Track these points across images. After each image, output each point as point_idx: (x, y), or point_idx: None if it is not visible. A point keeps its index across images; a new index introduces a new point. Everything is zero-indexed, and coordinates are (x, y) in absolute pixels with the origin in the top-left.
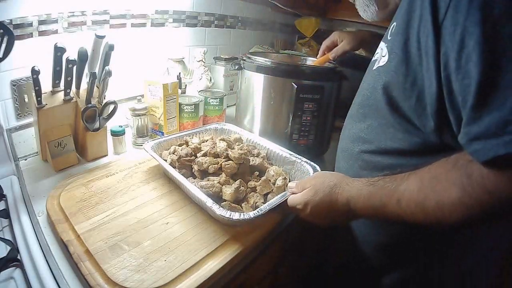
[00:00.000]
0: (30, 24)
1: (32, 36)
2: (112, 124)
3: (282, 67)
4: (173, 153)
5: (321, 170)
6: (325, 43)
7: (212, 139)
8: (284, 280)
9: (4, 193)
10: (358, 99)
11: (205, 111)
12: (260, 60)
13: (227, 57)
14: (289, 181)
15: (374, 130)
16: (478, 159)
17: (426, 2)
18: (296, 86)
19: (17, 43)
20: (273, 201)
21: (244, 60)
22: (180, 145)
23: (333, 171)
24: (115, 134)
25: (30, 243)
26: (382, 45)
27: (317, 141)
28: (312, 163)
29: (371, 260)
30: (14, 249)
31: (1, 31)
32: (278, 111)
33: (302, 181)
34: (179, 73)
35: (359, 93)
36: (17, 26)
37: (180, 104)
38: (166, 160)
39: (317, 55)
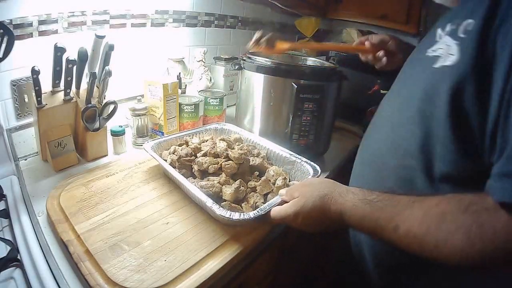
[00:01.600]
0: (30, 24)
1: (32, 36)
2: (112, 124)
3: (282, 67)
4: (173, 153)
5: (321, 170)
6: (380, 37)
7: (212, 139)
8: (284, 280)
9: (4, 193)
10: (403, 97)
11: (205, 111)
12: (260, 60)
13: (227, 57)
14: (289, 181)
15: (419, 142)
16: (498, 197)
17: None
18: (296, 86)
19: (17, 43)
20: (273, 201)
21: (244, 60)
22: (180, 145)
23: (336, 172)
24: (115, 134)
25: (30, 243)
26: (449, 41)
27: (317, 141)
28: (312, 163)
29: (374, 259)
30: (14, 249)
31: (1, 31)
32: (278, 111)
33: (291, 189)
34: (179, 73)
35: (403, 89)
36: (17, 26)
37: (180, 104)
38: (166, 160)
39: (316, 55)
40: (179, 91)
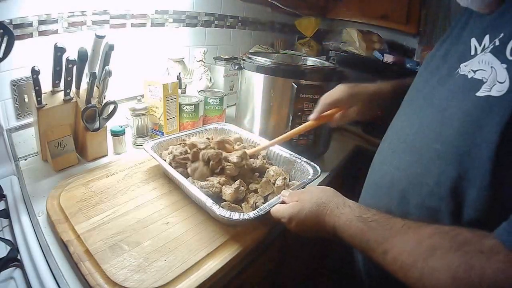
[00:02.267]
0: (30, 24)
1: (32, 36)
2: (112, 124)
3: (282, 67)
4: (170, 153)
5: (321, 170)
6: (326, 100)
7: (212, 138)
8: (284, 280)
9: (4, 193)
10: (429, 119)
11: (205, 111)
12: (260, 60)
13: (227, 57)
14: (289, 181)
15: (449, 183)
16: (506, 243)
17: None
18: (296, 86)
19: (17, 43)
20: (273, 201)
21: (244, 60)
22: (180, 145)
23: (336, 172)
24: (115, 134)
25: (30, 243)
26: (492, 60)
27: (317, 141)
28: (312, 163)
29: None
30: (14, 249)
31: (1, 31)
32: (278, 111)
33: (293, 192)
34: (179, 73)
35: (426, 112)
36: (17, 26)
37: (180, 104)
38: (165, 160)
39: (316, 55)
40: (179, 91)
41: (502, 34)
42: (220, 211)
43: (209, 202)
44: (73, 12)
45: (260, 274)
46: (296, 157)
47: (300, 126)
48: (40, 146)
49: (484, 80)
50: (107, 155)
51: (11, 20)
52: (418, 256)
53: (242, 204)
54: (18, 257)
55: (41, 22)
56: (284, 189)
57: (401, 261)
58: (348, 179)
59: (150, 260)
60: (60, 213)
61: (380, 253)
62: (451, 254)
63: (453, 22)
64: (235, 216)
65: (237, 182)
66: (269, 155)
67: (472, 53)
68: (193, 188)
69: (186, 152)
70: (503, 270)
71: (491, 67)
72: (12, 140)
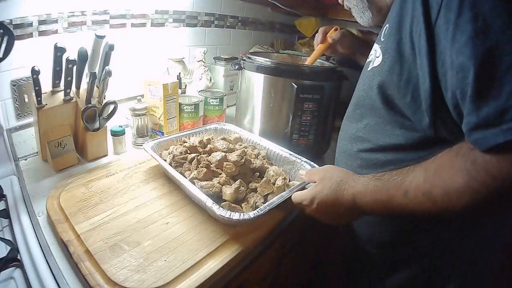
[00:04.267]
0: (30, 24)
1: (32, 36)
2: (112, 124)
3: (282, 67)
4: (170, 153)
5: None
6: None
7: (212, 138)
8: (284, 280)
9: (4, 193)
10: (354, 100)
11: (205, 111)
12: (260, 60)
13: (227, 57)
14: (289, 181)
15: (371, 129)
16: (479, 148)
17: (417, 3)
18: (296, 86)
19: (17, 43)
20: (273, 201)
21: (244, 60)
22: (180, 145)
23: None
24: (115, 134)
25: (30, 243)
26: (376, 46)
27: (317, 141)
28: (312, 163)
29: (374, 259)
30: (14, 249)
31: (1, 31)
32: (278, 111)
33: (311, 171)
34: (179, 73)
35: (355, 94)
36: (17, 26)
37: (180, 104)
38: (165, 160)
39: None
40: (179, 91)
41: (382, 28)
42: (220, 211)
43: (209, 202)
44: (73, 12)
45: (260, 274)
46: (296, 157)
47: (315, 52)
48: (40, 146)
49: (371, 60)
50: (107, 155)
51: (11, 20)
52: (433, 177)
53: (242, 204)
54: (18, 257)
55: (41, 22)
56: (284, 189)
57: (421, 190)
58: None
59: (150, 260)
60: (60, 213)
61: (402, 196)
62: (455, 160)
63: None
64: (235, 216)
65: (237, 182)
66: (269, 155)
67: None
68: (193, 188)
69: (186, 152)
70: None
71: (374, 50)
72: (12, 140)
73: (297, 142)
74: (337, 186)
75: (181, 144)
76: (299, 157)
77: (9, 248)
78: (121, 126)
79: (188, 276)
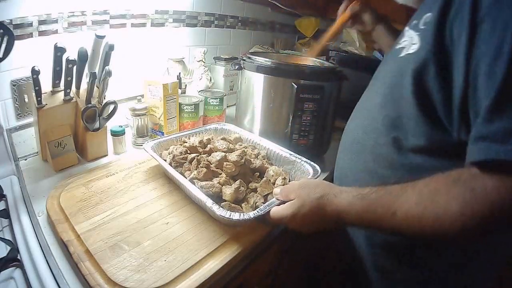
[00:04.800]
0: (30, 24)
1: (32, 36)
2: (112, 124)
3: (282, 67)
4: (170, 153)
5: (321, 170)
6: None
7: (212, 138)
8: (284, 280)
9: (4, 193)
10: (376, 87)
11: (205, 111)
12: (260, 60)
13: (227, 57)
14: (289, 181)
15: (393, 122)
16: (475, 157)
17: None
18: (296, 86)
19: (17, 43)
20: (273, 201)
21: (244, 60)
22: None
23: (334, 170)
24: (115, 134)
25: (30, 243)
26: (412, 33)
27: (317, 141)
28: (312, 163)
29: (375, 260)
30: (14, 249)
31: (1, 31)
32: (278, 111)
33: (286, 188)
34: (179, 73)
35: (376, 81)
36: (17, 26)
37: (180, 104)
38: (166, 160)
39: (317, 55)
40: (179, 91)
41: (420, 15)
42: (220, 211)
43: (209, 202)
44: (73, 12)
45: (260, 274)
46: (296, 157)
47: (335, 23)
48: (40, 146)
49: (405, 46)
50: (107, 155)
51: (11, 20)
52: (426, 201)
53: (242, 204)
54: (18, 257)
55: (41, 22)
56: None
57: (411, 214)
58: None
59: (150, 260)
60: (60, 213)
61: (390, 217)
62: (452, 187)
63: None
64: (235, 216)
65: (237, 182)
66: (269, 155)
67: (404, 34)
68: (193, 188)
69: (186, 152)
70: (499, 182)
71: (410, 37)
72: (12, 140)
73: (297, 142)
74: (317, 202)
75: (181, 144)
76: (299, 157)
77: (9, 248)
78: (121, 126)
79: (188, 276)
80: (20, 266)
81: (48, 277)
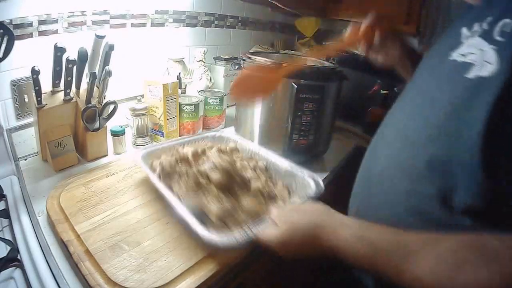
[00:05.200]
0: (30, 24)
1: (32, 36)
2: (112, 124)
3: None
4: (160, 164)
5: (321, 170)
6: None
7: (206, 150)
8: (284, 280)
9: (4, 193)
10: (422, 109)
11: (205, 111)
12: (260, 60)
13: (227, 57)
14: (289, 194)
15: (438, 165)
16: None
17: None
18: (296, 86)
19: (17, 43)
20: (264, 220)
21: (244, 60)
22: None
23: (336, 172)
24: (115, 134)
25: (30, 243)
26: (483, 44)
27: (317, 141)
28: (316, 176)
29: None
30: (14, 249)
31: (1, 31)
32: (278, 111)
33: (280, 213)
34: (179, 73)
35: (417, 98)
36: (17, 26)
37: (180, 104)
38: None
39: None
40: (179, 91)
41: (490, 19)
42: (204, 233)
43: (193, 223)
44: (73, 12)
45: (260, 274)
46: (298, 170)
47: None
48: (40, 146)
49: (473, 63)
50: (107, 155)
51: (11, 20)
52: (444, 273)
53: (230, 223)
54: (18, 257)
55: (41, 22)
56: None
57: (423, 280)
58: (347, 180)
59: (150, 260)
60: (60, 213)
61: (394, 275)
62: (484, 266)
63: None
64: (221, 239)
65: (224, 199)
66: (268, 167)
67: (462, 40)
68: (178, 206)
69: (176, 163)
70: None
71: (480, 49)
72: (12, 140)
73: (297, 142)
74: (312, 232)
75: (172, 155)
76: (300, 169)
77: (9, 248)
78: (121, 126)
79: (188, 276)
80: (20, 266)
81: (48, 277)
